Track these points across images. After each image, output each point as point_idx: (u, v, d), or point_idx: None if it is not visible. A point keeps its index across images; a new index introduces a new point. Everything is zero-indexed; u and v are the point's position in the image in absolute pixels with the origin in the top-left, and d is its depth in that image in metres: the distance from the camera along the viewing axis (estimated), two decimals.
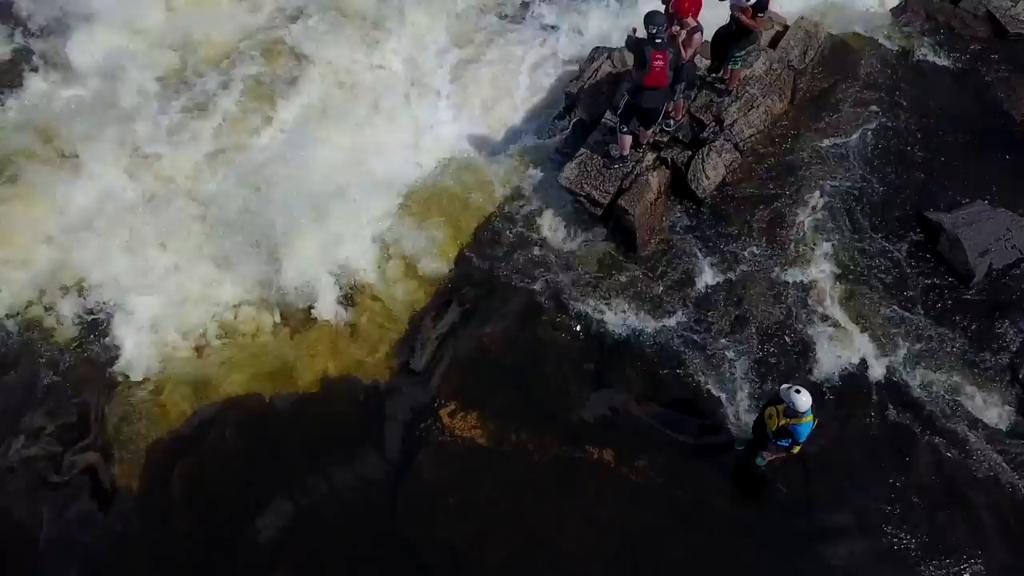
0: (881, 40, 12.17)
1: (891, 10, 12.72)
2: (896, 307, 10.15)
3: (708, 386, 9.74)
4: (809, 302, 10.21)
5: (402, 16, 13.34)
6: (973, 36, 12.09)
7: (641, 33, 9.27)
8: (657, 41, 9.19)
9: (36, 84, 12.51)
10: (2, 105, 12.35)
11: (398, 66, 13.04)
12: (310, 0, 13.19)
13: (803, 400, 7.72)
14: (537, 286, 10.56)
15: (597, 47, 12.18)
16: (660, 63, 9.30)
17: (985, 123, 11.34)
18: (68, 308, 10.77)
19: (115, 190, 11.47)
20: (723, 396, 9.67)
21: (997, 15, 12.09)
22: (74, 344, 10.53)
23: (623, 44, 11.73)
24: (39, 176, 11.40)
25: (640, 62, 9.39)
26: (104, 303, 10.80)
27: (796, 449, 8.25)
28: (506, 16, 13.77)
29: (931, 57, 11.95)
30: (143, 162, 11.64)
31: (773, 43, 11.75)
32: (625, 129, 10.24)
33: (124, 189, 11.51)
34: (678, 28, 9.72)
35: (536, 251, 10.91)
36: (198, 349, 10.63)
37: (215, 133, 12.02)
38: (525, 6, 13.87)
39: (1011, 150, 11.12)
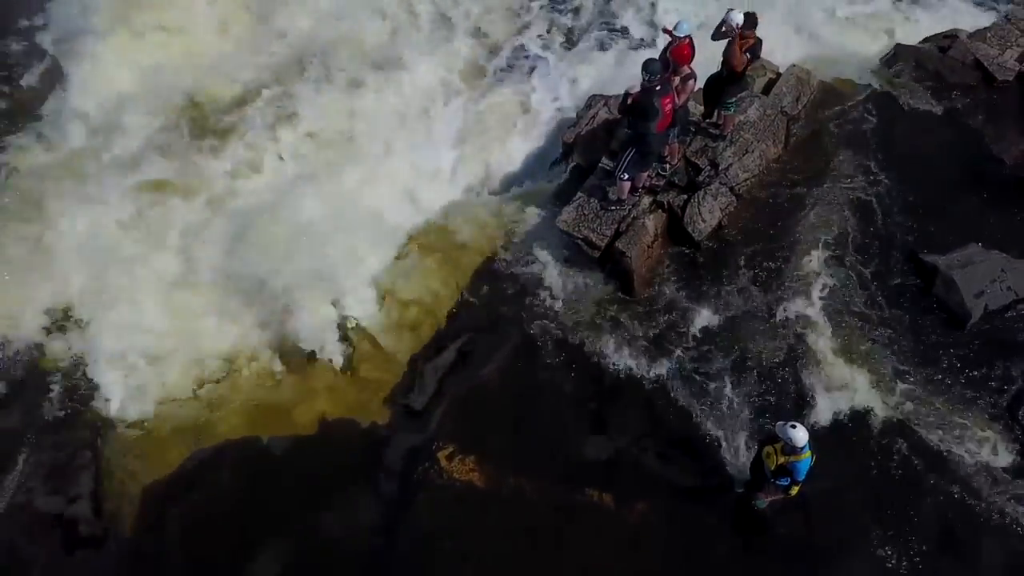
0: (872, 87, 12.39)
1: (881, 58, 12.99)
2: (893, 348, 10.14)
3: (706, 427, 9.70)
4: (806, 343, 10.20)
5: (402, 64, 13.64)
6: (961, 83, 12.29)
7: (636, 85, 9.53)
8: (658, 88, 9.49)
9: (37, 132, 12.75)
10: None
11: (398, 113, 13.29)
12: (309, 48, 13.50)
13: (800, 435, 7.68)
14: (535, 328, 10.60)
15: (594, 95, 12.41)
16: (669, 106, 9.71)
17: (975, 167, 11.46)
18: (66, 349, 10.84)
19: (115, 235, 11.61)
20: (721, 437, 9.62)
21: (985, 63, 12.32)
22: (71, 385, 10.55)
23: (622, 93, 12.07)
24: (37, 223, 11.55)
25: (653, 112, 9.63)
26: (102, 345, 10.83)
27: (795, 490, 8.19)
28: (505, 64, 14.09)
29: (921, 104, 12.13)
30: (144, 207, 11.79)
31: (766, 90, 12.01)
32: (627, 176, 10.41)
33: (125, 233, 11.64)
34: (673, 75, 9.98)
35: (534, 293, 10.96)
36: (196, 391, 10.66)
37: (216, 178, 12.21)
38: (524, 55, 14.21)
39: (1001, 193, 11.19)
